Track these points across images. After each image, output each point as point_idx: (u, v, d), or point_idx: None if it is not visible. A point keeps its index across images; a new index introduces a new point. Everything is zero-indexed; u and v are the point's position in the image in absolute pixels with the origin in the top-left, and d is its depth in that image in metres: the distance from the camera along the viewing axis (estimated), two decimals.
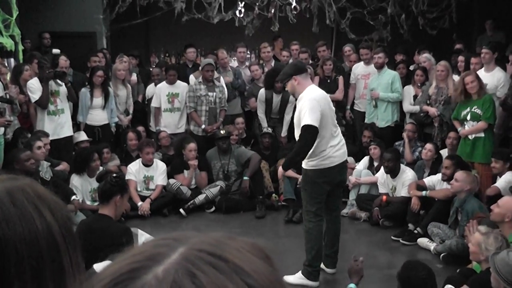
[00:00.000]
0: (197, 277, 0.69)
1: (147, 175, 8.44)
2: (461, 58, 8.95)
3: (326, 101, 5.71)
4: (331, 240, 6.15)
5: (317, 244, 5.87)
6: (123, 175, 4.78)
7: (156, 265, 0.71)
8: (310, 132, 5.48)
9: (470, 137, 7.68)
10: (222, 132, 8.77)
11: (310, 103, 5.50)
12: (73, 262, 1.13)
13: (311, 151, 5.60)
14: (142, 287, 0.69)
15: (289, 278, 5.83)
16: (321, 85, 9.44)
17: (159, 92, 9.44)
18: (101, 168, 7.77)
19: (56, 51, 8.27)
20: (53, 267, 1.09)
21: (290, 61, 10.54)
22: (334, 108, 5.94)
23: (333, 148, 5.72)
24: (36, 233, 1.08)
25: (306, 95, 5.61)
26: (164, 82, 9.52)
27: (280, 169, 6.23)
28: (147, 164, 8.43)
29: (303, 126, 5.49)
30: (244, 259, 0.73)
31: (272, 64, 10.31)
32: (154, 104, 9.52)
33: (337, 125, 5.93)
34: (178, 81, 9.45)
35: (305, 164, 5.79)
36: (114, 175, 4.50)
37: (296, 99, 5.85)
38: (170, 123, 9.42)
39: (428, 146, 8.06)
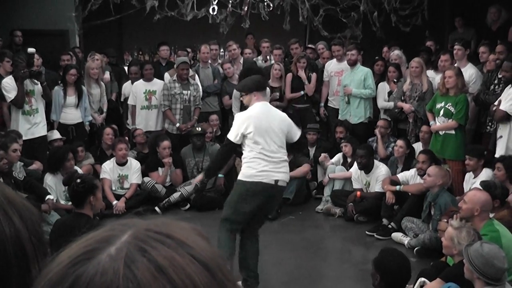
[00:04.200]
0: (147, 251, 0.75)
1: (121, 174, 8.41)
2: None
3: (264, 118, 5.60)
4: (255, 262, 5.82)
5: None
6: (87, 177, 4.70)
7: (109, 245, 0.77)
8: (227, 145, 5.71)
9: (440, 132, 7.78)
10: (198, 129, 8.76)
11: (237, 119, 5.65)
12: (42, 269, 0.99)
13: (248, 163, 5.53)
14: (98, 265, 0.74)
15: None
16: (294, 82, 9.53)
17: (135, 90, 9.44)
18: (75, 167, 7.73)
19: (31, 50, 8.16)
20: (20, 275, 1.02)
21: (259, 58, 10.59)
22: (282, 128, 5.67)
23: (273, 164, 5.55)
24: (4, 239, 1.01)
25: (244, 112, 5.83)
26: (141, 80, 9.53)
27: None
28: (121, 163, 8.40)
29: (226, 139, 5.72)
30: (187, 236, 0.81)
31: (241, 61, 10.32)
32: (130, 102, 9.52)
33: (281, 149, 5.64)
34: (155, 79, 9.47)
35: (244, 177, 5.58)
36: (78, 180, 4.47)
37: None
38: (148, 120, 9.41)
39: (399, 142, 8.13)
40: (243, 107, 9.26)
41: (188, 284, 0.74)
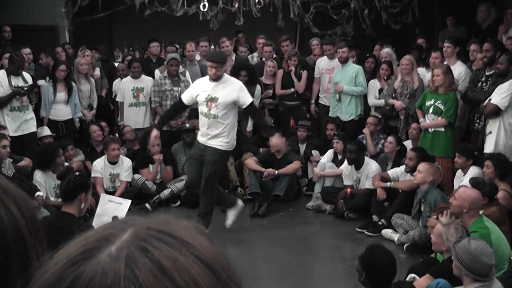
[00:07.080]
0: (149, 251, 0.73)
1: (112, 172, 8.37)
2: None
3: None
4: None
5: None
6: (85, 172, 4.68)
7: (109, 244, 0.74)
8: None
9: (430, 130, 7.80)
10: (187, 125, 8.76)
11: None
12: (40, 256, 1.06)
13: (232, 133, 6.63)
14: (97, 265, 0.72)
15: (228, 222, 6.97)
16: (285, 79, 9.54)
17: (123, 87, 9.40)
18: (66, 164, 7.70)
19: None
20: (20, 262, 1.03)
21: (254, 55, 10.59)
22: None
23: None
24: (3, 227, 1.01)
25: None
26: (128, 77, 9.48)
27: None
28: (113, 161, 8.37)
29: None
30: (190, 235, 0.78)
31: (233, 58, 10.29)
32: (118, 98, 9.50)
33: None
34: (143, 76, 9.42)
35: (224, 144, 6.58)
36: (77, 173, 4.44)
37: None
38: (136, 118, 9.38)
39: (389, 138, 8.15)
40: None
41: (192, 286, 0.72)
